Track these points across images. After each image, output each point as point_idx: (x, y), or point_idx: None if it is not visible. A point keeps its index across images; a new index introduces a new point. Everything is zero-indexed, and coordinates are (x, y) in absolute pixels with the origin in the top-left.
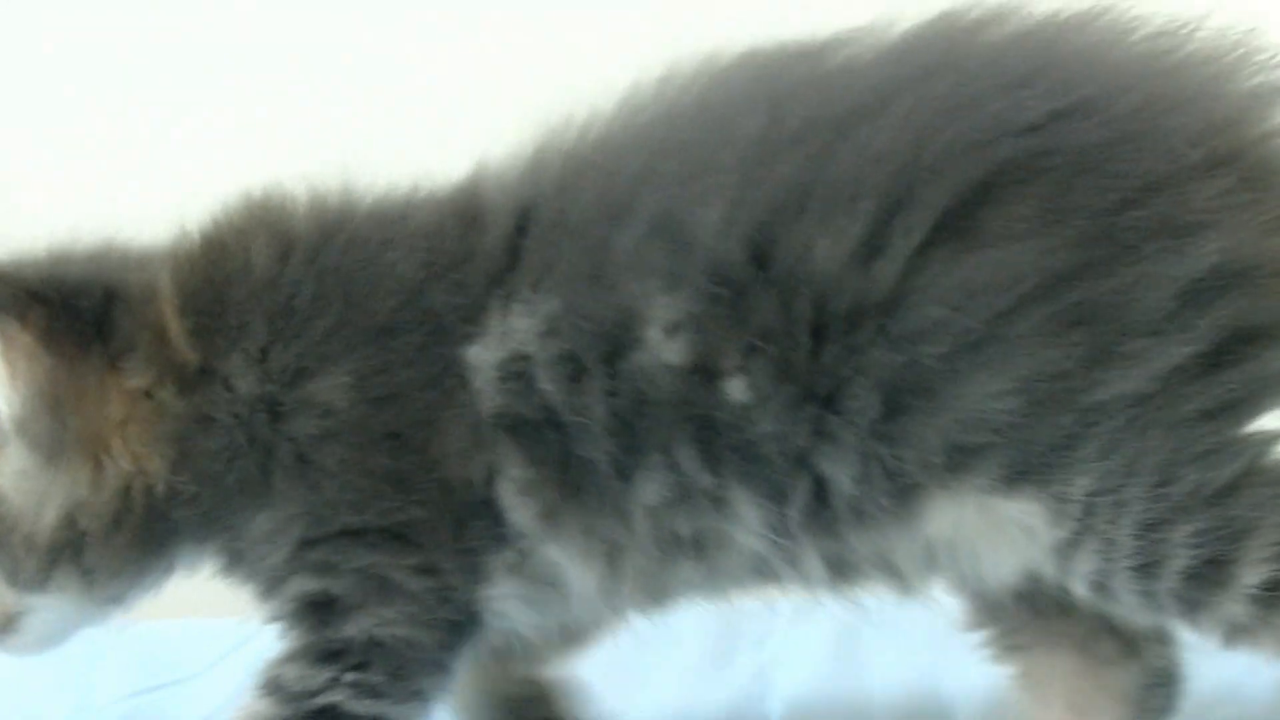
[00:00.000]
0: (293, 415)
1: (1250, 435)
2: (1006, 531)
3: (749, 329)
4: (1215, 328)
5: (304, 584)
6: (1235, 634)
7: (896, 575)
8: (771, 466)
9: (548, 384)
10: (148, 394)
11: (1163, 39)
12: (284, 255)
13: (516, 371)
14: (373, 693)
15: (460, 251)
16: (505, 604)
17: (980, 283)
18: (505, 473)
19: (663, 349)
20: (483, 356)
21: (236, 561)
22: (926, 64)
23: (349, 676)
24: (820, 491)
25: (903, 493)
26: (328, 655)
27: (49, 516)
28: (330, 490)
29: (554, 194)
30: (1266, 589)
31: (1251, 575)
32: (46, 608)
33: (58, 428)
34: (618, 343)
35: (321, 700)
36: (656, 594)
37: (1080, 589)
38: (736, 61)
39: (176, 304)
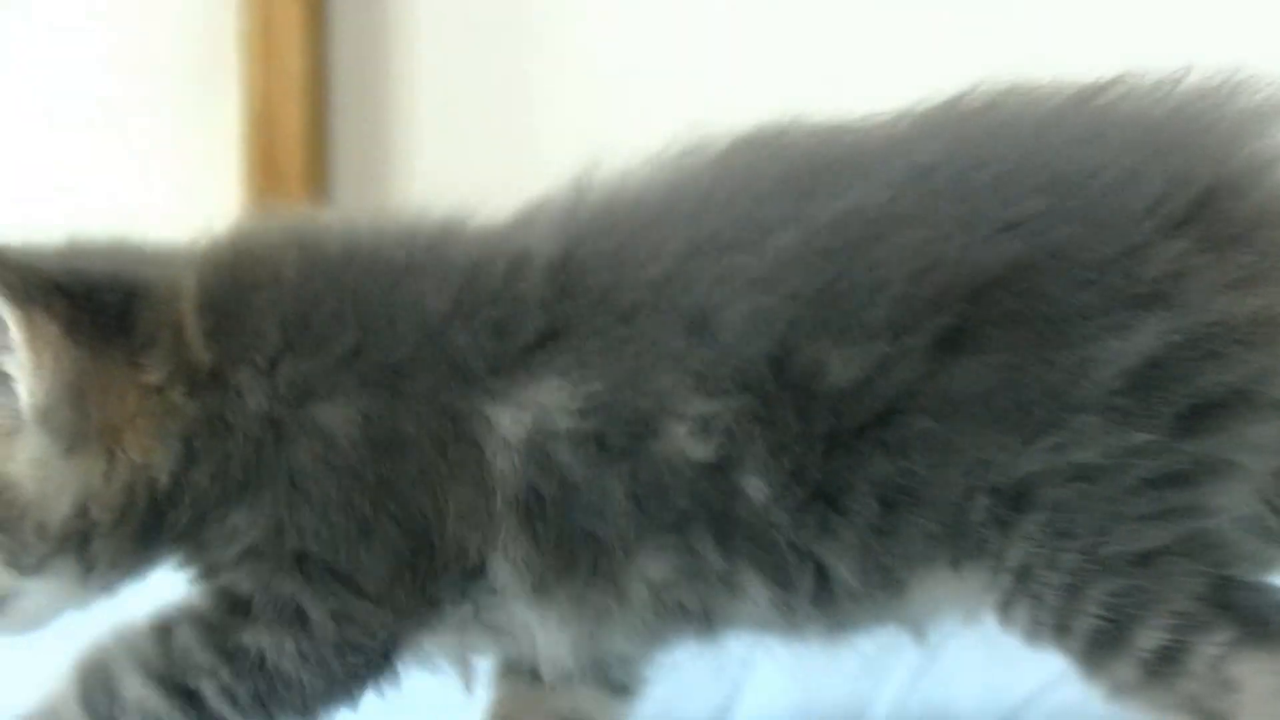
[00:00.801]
0: (295, 439)
1: (1179, 508)
2: (959, 594)
3: (771, 434)
4: (1166, 404)
5: (236, 583)
6: (1120, 691)
7: (898, 626)
8: (781, 556)
9: (572, 462)
10: (160, 390)
11: (1116, 101)
12: (308, 269)
13: (542, 449)
14: (233, 703)
15: (503, 294)
16: (437, 650)
17: (957, 392)
18: (503, 546)
19: (688, 445)
20: (507, 426)
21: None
22: (929, 188)
23: (224, 678)
24: (823, 579)
25: (893, 582)
26: (220, 648)
27: (63, 506)
28: (302, 515)
29: (598, 267)
30: (1157, 656)
31: (1146, 641)
32: (39, 592)
33: (80, 419)
34: (646, 431)
35: (191, 682)
36: (647, 645)
37: (1015, 634)
38: (767, 142)
39: (197, 304)
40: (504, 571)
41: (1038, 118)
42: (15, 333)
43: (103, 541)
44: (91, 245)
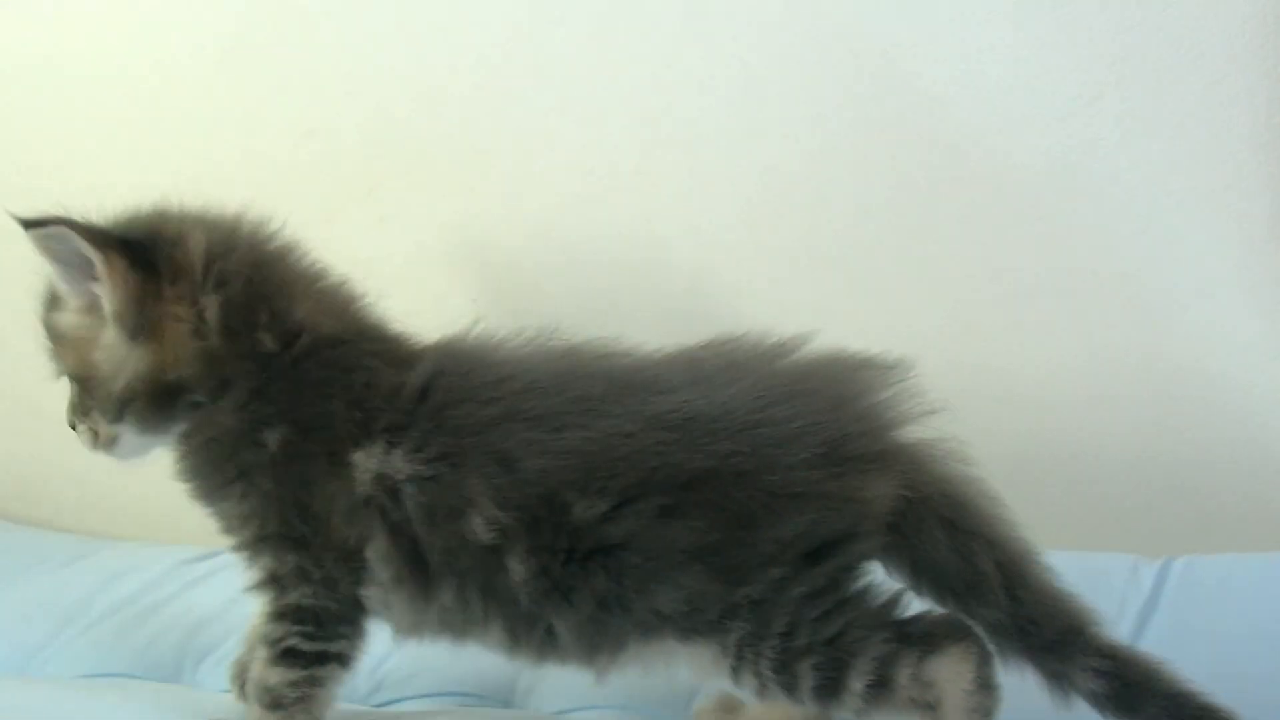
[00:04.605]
0: (250, 446)
1: (847, 599)
2: (682, 660)
3: (533, 541)
4: (802, 551)
5: (266, 563)
6: (856, 714)
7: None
8: (520, 618)
9: (409, 507)
10: (178, 300)
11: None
12: (284, 346)
13: (388, 484)
14: (311, 637)
15: (381, 398)
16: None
17: (665, 546)
18: (373, 539)
19: (480, 531)
20: (364, 466)
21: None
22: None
23: (295, 629)
24: (550, 635)
25: (607, 648)
26: (282, 615)
27: (121, 380)
28: (261, 505)
29: (448, 397)
30: (869, 689)
31: (857, 684)
32: (126, 433)
33: (140, 318)
34: (455, 513)
35: (284, 645)
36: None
37: (750, 692)
38: (587, 355)
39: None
40: (375, 559)
41: (743, 368)
42: (99, 267)
43: (142, 405)
44: (136, 214)
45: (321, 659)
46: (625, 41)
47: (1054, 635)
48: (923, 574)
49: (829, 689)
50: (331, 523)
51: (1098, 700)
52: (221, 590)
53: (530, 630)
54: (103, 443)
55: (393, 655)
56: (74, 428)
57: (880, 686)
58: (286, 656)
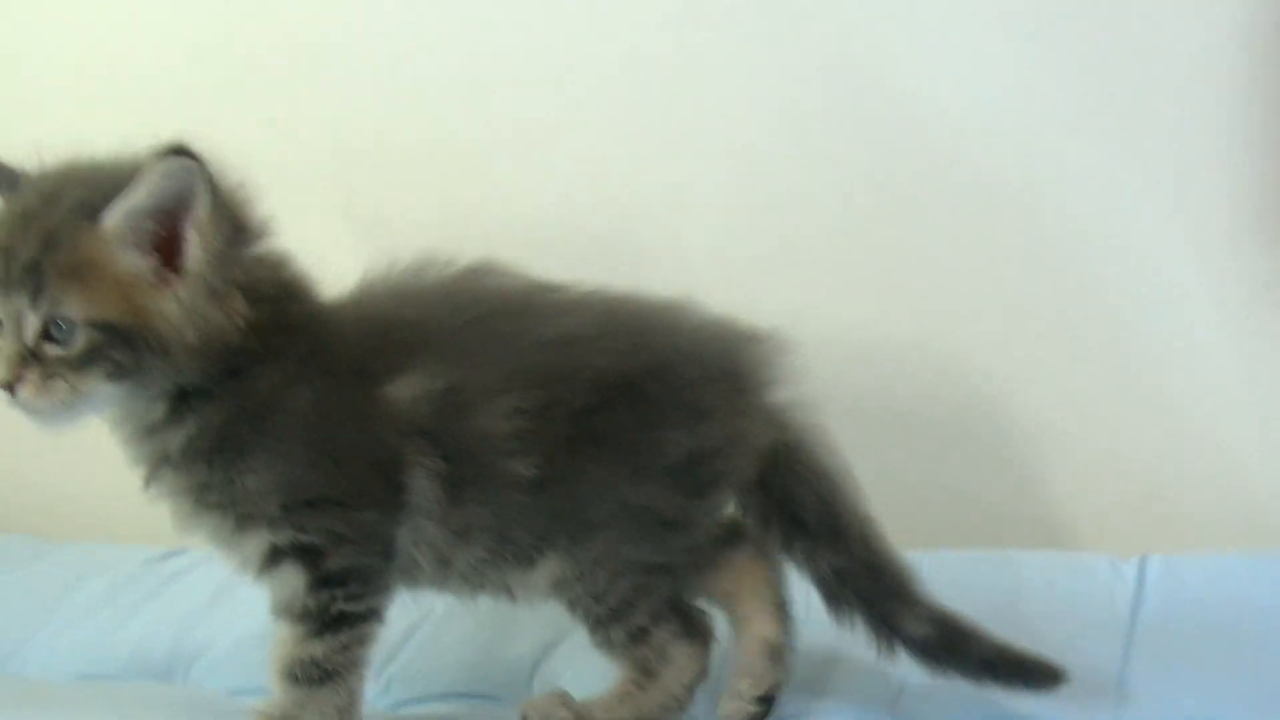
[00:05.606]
0: (281, 411)
1: (678, 544)
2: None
3: (539, 429)
4: (696, 477)
5: (286, 536)
6: (605, 646)
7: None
8: (516, 524)
9: (431, 419)
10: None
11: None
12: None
13: (424, 407)
14: (358, 597)
15: (383, 336)
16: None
17: (624, 439)
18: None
19: (501, 422)
20: (394, 393)
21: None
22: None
23: (341, 592)
24: (535, 546)
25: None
26: (324, 582)
27: (191, 335)
28: (291, 472)
29: (445, 322)
30: (637, 630)
31: (635, 621)
32: (106, 393)
33: (225, 275)
34: (478, 407)
35: (334, 610)
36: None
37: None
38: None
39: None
40: (419, 481)
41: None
42: (203, 217)
43: (210, 362)
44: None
45: (367, 616)
46: (614, 42)
47: (893, 582)
48: (780, 513)
49: (613, 618)
50: (370, 462)
51: (922, 645)
52: (200, 588)
53: (519, 534)
54: (71, 399)
55: (400, 655)
56: (10, 386)
57: (641, 634)
58: (336, 622)
